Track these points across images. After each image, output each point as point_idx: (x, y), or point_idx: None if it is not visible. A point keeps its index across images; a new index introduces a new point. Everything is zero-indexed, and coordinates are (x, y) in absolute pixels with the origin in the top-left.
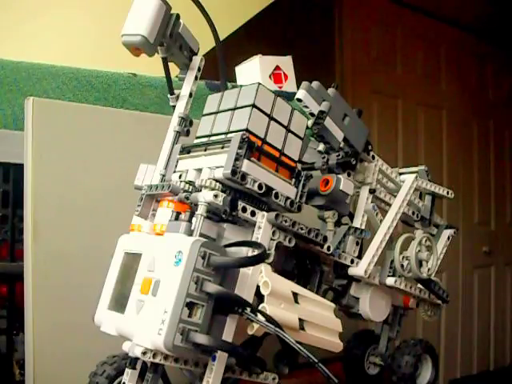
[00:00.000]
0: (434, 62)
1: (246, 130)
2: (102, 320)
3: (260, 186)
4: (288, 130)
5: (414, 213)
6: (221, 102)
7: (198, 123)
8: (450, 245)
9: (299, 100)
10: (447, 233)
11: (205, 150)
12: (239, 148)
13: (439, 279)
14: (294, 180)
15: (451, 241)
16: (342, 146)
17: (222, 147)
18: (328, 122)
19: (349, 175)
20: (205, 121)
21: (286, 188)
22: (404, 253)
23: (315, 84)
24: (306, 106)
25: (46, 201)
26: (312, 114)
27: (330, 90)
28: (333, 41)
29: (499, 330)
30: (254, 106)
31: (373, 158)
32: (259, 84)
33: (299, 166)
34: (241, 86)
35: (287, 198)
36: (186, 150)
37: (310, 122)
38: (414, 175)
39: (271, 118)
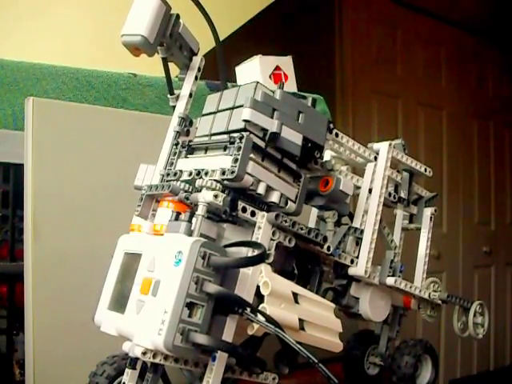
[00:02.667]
0: (434, 62)
1: (245, 129)
2: (101, 320)
3: (264, 189)
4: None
5: (390, 194)
6: (220, 101)
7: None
8: (449, 244)
9: (247, 121)
10: (428, 212)
11: (205, 151)
12: (244, 150)
13: (439, 279)
14: (295, 182)
15: (450, 238)
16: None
17: (225, 148)
18: (284, 132)
19: (316, 163)
20: (204, 121)
21: (288, 190)
22: (461, 319)
23: (260, 95)
24: (256, 125)
25: (46, 201)
26: (264, 129)
27: (277, 92)
28: (333, 41)
29: (499, 330)
30: None
31: (336, 135)
32: (257, 83)
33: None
34: (239, 85)
35: (288, 199)
36: (189, 151)
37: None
38: (387, 143)
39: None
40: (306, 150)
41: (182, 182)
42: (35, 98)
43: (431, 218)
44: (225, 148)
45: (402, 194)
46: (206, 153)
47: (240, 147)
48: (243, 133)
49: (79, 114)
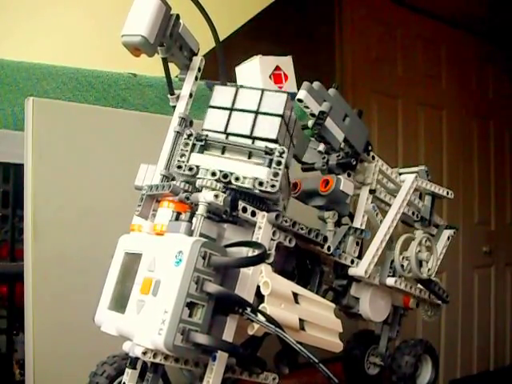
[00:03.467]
0: (434, 62)
1: (276, 140)
2: (102, 320)
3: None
4: (291, 136)
5: (413, 213)
6: (235, 99)
7: (199, 123)
8: (449, 245)
9: (300, 100)
10: (447, 233)
11: (222, 151)
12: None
13: (439, 279)
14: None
15: (451, 241)
16: (342, 146)
17: (249, 154)
18: (329, 123)
19: (349, 175)
20: (214, 114)
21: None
22: (404, 253)
23: (316, 84)
24: (307, 107)
25: (46, 201)
26: (312, 115)
27: (331, 91)
28: (333, 41)
29: (499, 330)
30: (282, 116)
31: (373, 158)
32: (288, 93)
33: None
34: (263, 89)
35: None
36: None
37: (310, 123)
38: (413, 175)
39: (287, 128)
40: (345, 154)
41: (183, 182)
42: (35, 98)
43: (449, 237)
44: (249, 154)
45: (425, 215)
46: (223, 153)
47: (280, 162)
48: (281, 147)
49: (79, 114)
